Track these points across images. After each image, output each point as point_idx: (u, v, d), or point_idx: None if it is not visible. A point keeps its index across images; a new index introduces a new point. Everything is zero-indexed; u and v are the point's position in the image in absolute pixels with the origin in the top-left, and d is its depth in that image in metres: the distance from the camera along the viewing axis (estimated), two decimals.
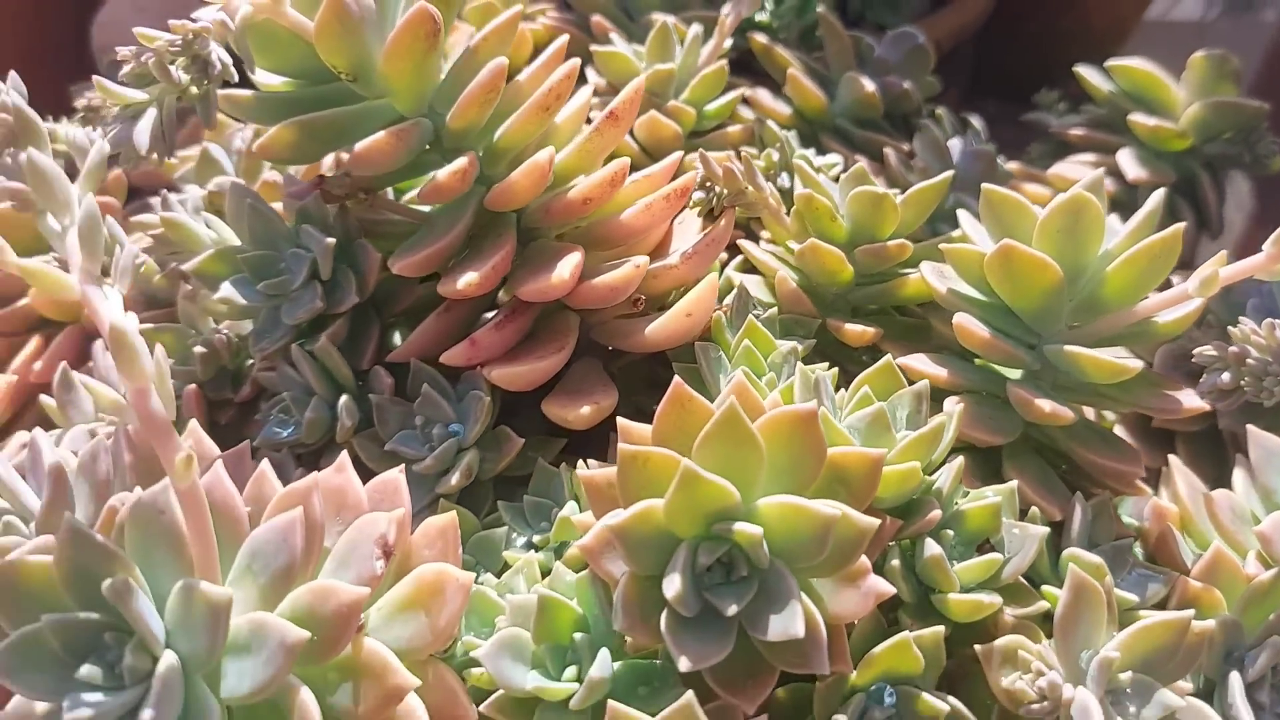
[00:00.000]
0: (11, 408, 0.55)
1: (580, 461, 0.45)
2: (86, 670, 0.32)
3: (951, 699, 0.39)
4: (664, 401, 0.38)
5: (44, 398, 0.50)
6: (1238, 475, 0.49)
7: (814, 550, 0.35)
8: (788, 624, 0.35)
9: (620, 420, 0.41)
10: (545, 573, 0.42)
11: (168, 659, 0.32)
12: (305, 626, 0.33)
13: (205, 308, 0.51)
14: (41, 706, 0.33)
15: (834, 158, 0.59)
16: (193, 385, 0.49)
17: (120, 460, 0.40)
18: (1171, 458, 0.51)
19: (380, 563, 0.37)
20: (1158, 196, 0.47)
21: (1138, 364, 0.44)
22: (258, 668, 0.33)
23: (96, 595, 0.33)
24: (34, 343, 0.57)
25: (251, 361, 0.51)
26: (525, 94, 0.48)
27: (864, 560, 0.37)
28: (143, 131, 0.42)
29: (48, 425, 0.50)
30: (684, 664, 0.34)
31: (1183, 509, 0.49)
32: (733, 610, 0.35)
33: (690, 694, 0.34)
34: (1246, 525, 0.46)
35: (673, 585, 0.35)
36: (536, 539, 0.44)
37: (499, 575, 0.43)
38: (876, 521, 0.36)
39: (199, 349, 0.50)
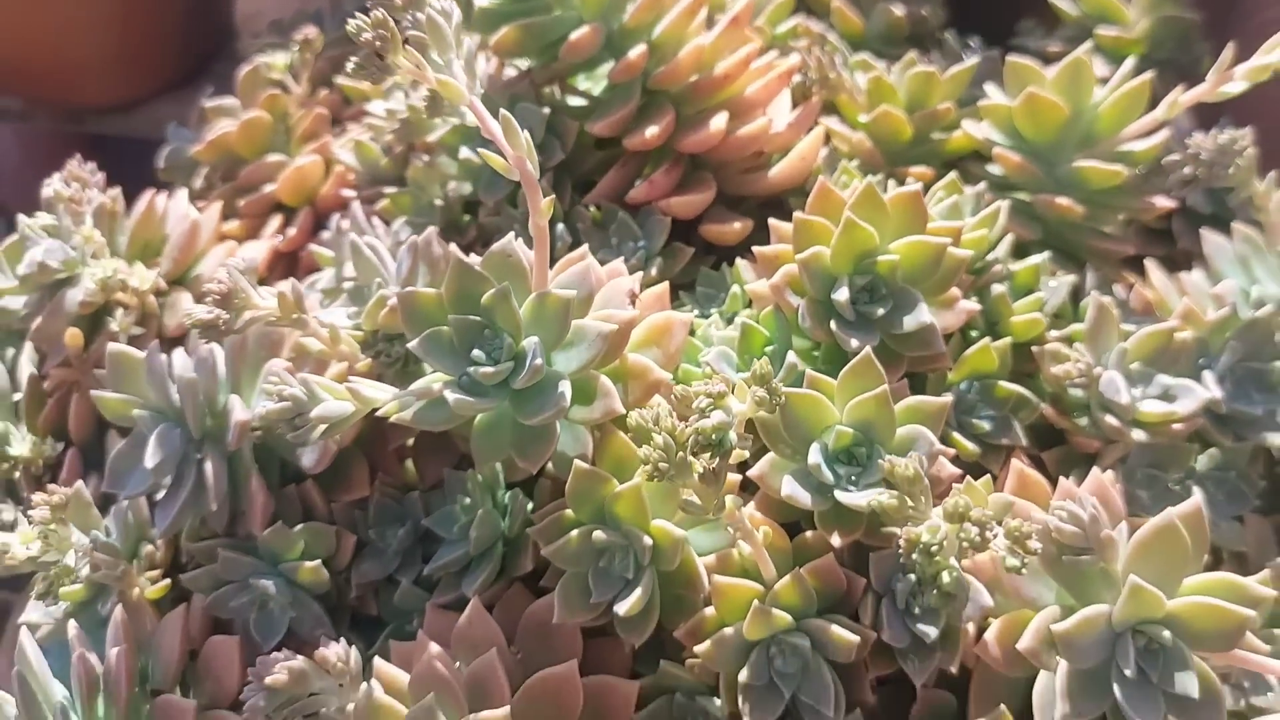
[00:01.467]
0: (267, 269, 0.71)
1: (738, 260, 0.62)
2: (475, 353, 0.49)
3: (1017, 386, 0.57)
4: (813, 195, 0.56)
5: (313, 247, 0.67)
6: (1196, 268, 0.68)
7: (930, 271, 0.54)
8: (919, 318, 0.53)
9: (773, 221, 0.59)
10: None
11: (530, 340, 0.49)
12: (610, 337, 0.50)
13: (440, 172, 0.68)
14: (440, 383, 0.50)
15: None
16: (433, 228, 0.66)
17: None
18: (1146, 261, 0.70)
19: (630, 306, 0.55)
20: (1129, 61, 0.66)
21: (1124, 169, 0.62)
22: (583, 352, 0.50)
23: (475, 307, 0.50)
24: (275, 221, 0.74)
25: (468, 218, 0.68)
26: (672, 4, 0.66)
27: (956, 289, 0.56)
28: None
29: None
30: (852, 345, 0.52)
31: (1156, 294, 0.68)
32: (880, 313, 0.53)
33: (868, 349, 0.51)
34: (1205, 295, 0.65)
35: (841, 296, 0.53)
36: (713, 310, 0.61)
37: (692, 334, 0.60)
38: (969, 252, 0.54)
39: (438, 202, 0.67)
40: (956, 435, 0.56)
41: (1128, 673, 0.45)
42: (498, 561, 0.54)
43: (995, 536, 0.40)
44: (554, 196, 0.50)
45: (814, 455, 0.49)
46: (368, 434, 0.59)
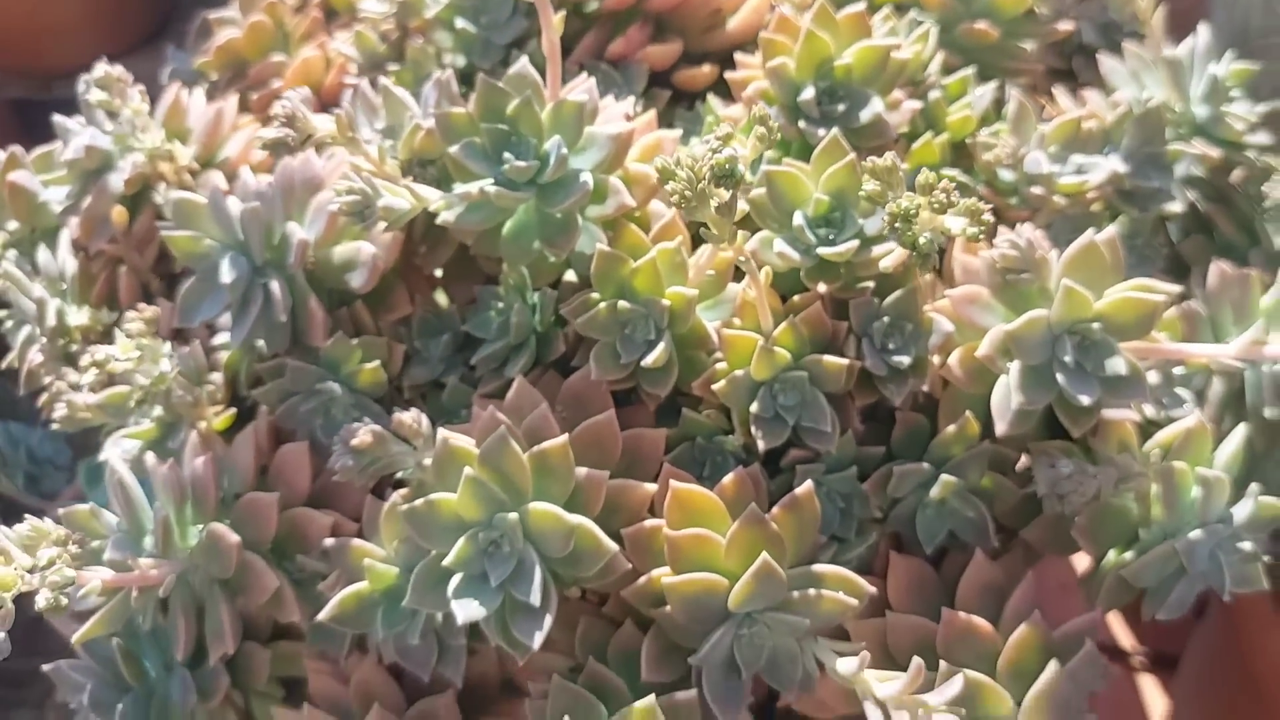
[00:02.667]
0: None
1: (709, 96, 0.72)
2: (506, 156, 0.58)
3: (955, 170, 0.67)
4: (773, 23, 0.66)
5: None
6: (1095, 90, 0.79)
7: (878, 73, 0.64)
8: (873, 110, 0.63)
9: (738, 55, 0.69)
10: None
11: (553, 141, 0.58)
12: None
13: (436, 48, 0.76)
14: (474, 187, 0.58)
15: None
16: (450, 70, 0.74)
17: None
18: (1054, 88, 0.80)
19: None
20: None
21: None
22: (596, 153, 0.59)
23: (502, 117, 0.58)
24: None
25: (465, 88, 0.77)
26: None
27: (899, 92, 0.66)
28: None
29: None
30: (819, 135, 0.62)
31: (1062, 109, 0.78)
32: (840, 110, 0.63)
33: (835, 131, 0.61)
34: (1104, 105, 0.76)
35: (806, 96, 0.63)
36: (693, 139, 0.71)
37: None
38: (909, 54, 0.64)
39: (438, 75, 0.75)
40: None
41: (1067, 360, 0.55)
42: (533, 350, 0.63)
43: (957, 203, 0.49)
44: (564, 12, 0.59)
45: (798, 220, 0.58)
46: (402, 265, 0.67)
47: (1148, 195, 0.70)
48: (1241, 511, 0.58)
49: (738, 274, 0.62)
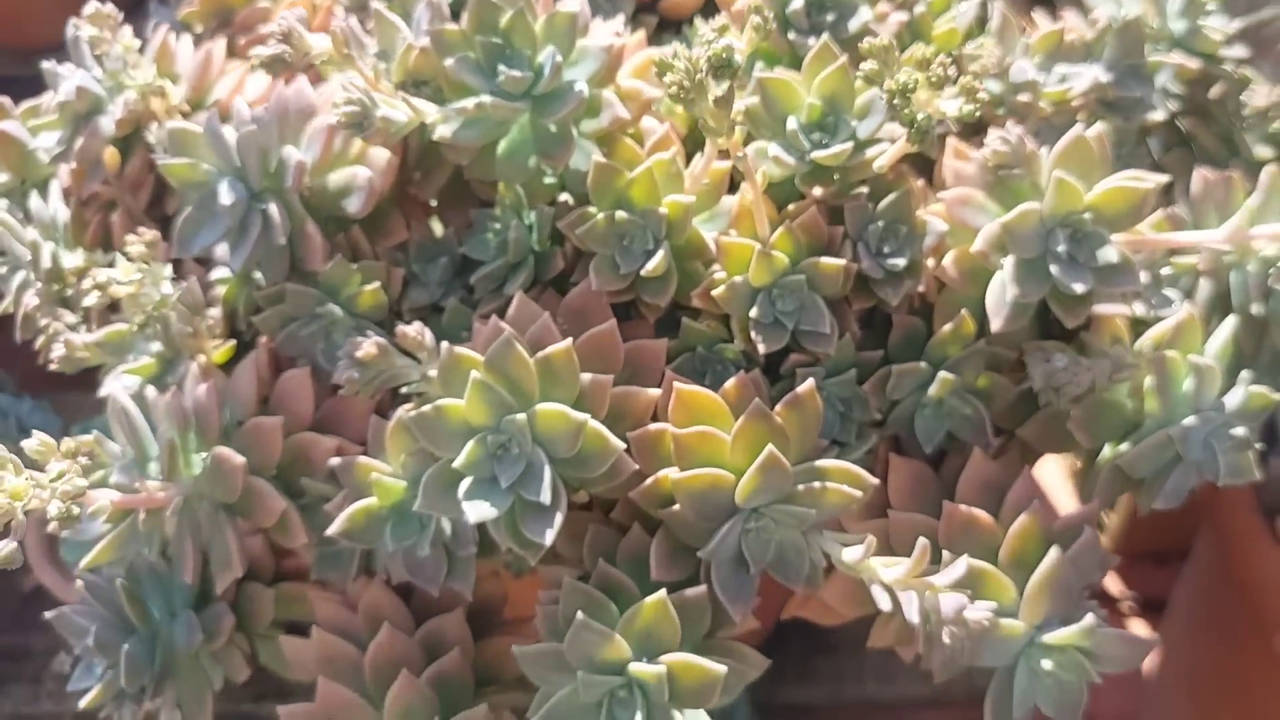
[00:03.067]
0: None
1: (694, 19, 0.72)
2: (500, 68, 0.59)
3: None
4: None
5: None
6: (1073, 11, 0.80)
7: None
8: (860, 19, 0.63)
9: None
10: None
11: (546, 51, 0.59)
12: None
13: None
14: (470, 101, 0.59)
15: None
16: None
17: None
18: (1032, 13, 0.82)
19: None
20: None
21: None
22: (589, 65, 0.60)
23: (496, 31, 0.59)
24: None
25: None
26: None
27: (886, 4, 0.67)
28: None
29: None
30: (809, 44, 0.62)
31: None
32: (829, 19, 0.63)
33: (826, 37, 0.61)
34: (1084, 24, 0.77)
35: (796, 6, 0.63)
36: None
37: None
38: None
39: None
40: None
41: (1060, 251, 0.56)
42: (531, 269, 0.63)
43: (954, 78, 0.50)
44: None
45: (791, 125, 0.59)
46: (397, 193, 0.68)
47: (1130, 105, 0.71)
48: (1233, 399, 0.60)
49: (732, 188, 0.63)
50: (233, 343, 0.67)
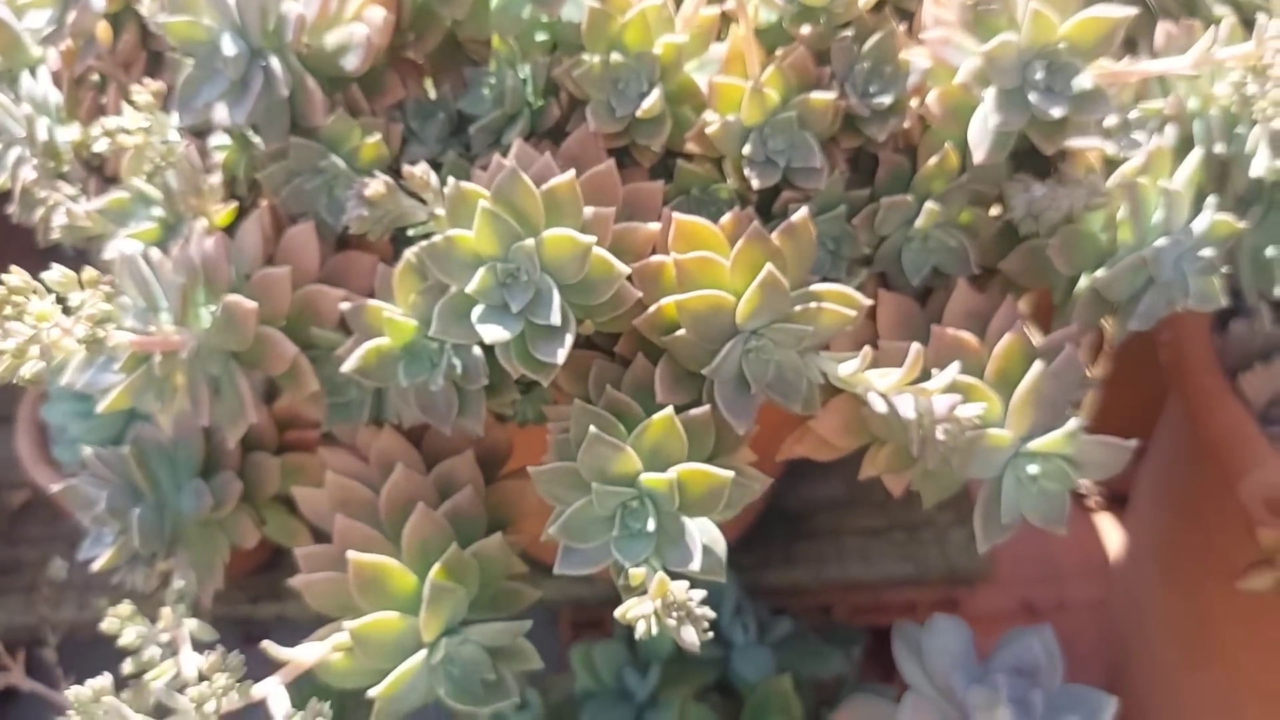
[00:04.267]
0: None
1: None
2: None
3: None
4: None
5: None
6: None
7: None
8: None
9: None
10: None
11: None
12: None
13: None
14: None
15: None
16: None
17: None
18: None
19: None
20: None
21: None
22: None
23: None
24: None
25: None
26: None
27: None
28: None
29: None
30: None
31: None
32: None
33: None
34: None
35: None
36: None
37: None
38: None
39: None
40: None
41: (1038, 79, 0.59)
42: (528, 120, 0.65)
43: None
44: None
45: None
46: (391, 55, 0.69)
47: None
48: (1199, 224, 0.63)
49: (720, 39, 0.65)
50: (235, 205, 0.69)
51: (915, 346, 0.55)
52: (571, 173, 0.57)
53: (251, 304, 0.62)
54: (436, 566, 0.61)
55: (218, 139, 0.70)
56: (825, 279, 0.64)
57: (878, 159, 0.65)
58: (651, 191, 0.63)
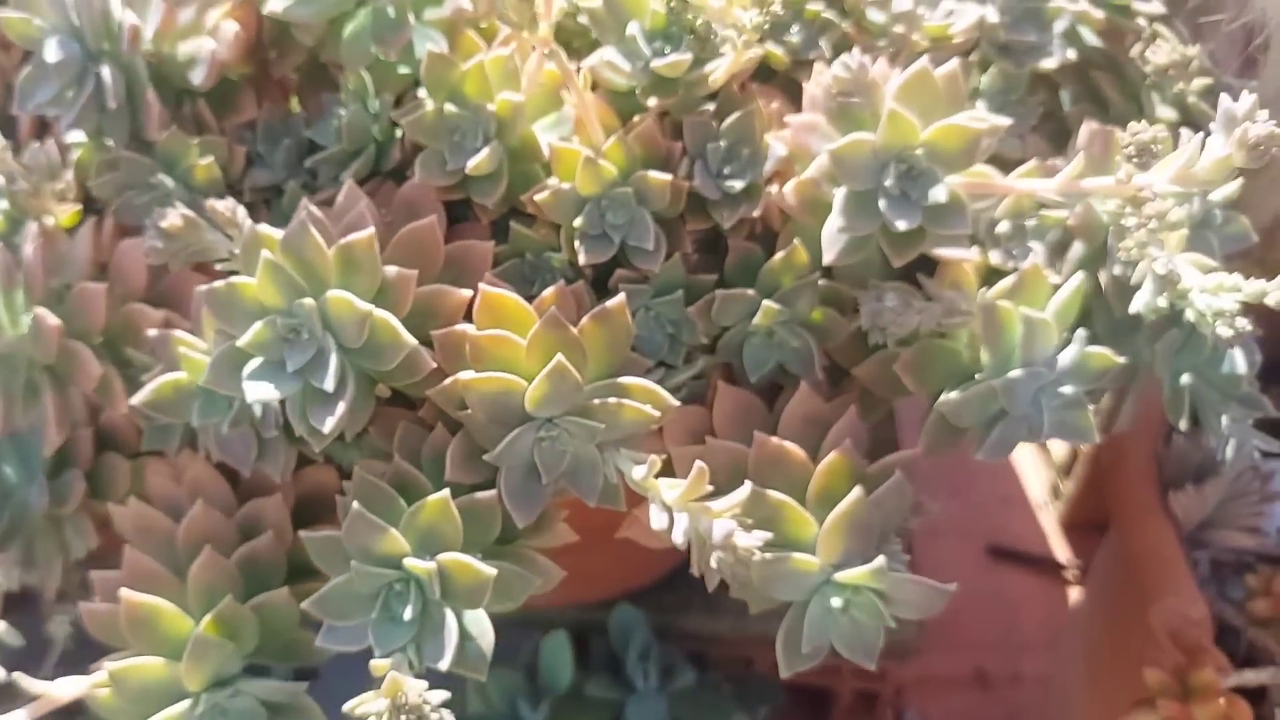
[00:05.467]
0: None
1: None
2: None
3: (823, 8, 0.66)
4: None
5: None
6: None
7: None
8: None
9: None
10: None
11: None
12: None
13: None
14: None
15: None
16: None
17: None
18: None
19: None
20: None
21: None
22: None
23: None
24: None
25: None
26: None
27: None
28: None
29: None
30: None
31: None
32: None
33: None
34: None
35: None
36: None
37: None
38: None
39: None
40: (770, 46, 0.64)
41: (889, 186, 0.54)
42: (371, 157, 0.62)
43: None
44: None
45: (632, 30, 0.57)
46: (255, 71, 0.66)
47: (1023, 50, 0.69)
48: (1065, 357, 0.58)
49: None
50: (79, 208, 0.66)
51: (698, 465, 0.51)
52: (370, 231, 0.54)
53: (55, 320, 0.60)
54: (207, 618, 0.58)
55: (77, 134, 0.68)
56: (663, 363, 0.61)
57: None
58: (481, 252, 0.59)
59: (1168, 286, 0.52)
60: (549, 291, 0.56)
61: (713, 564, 0.51)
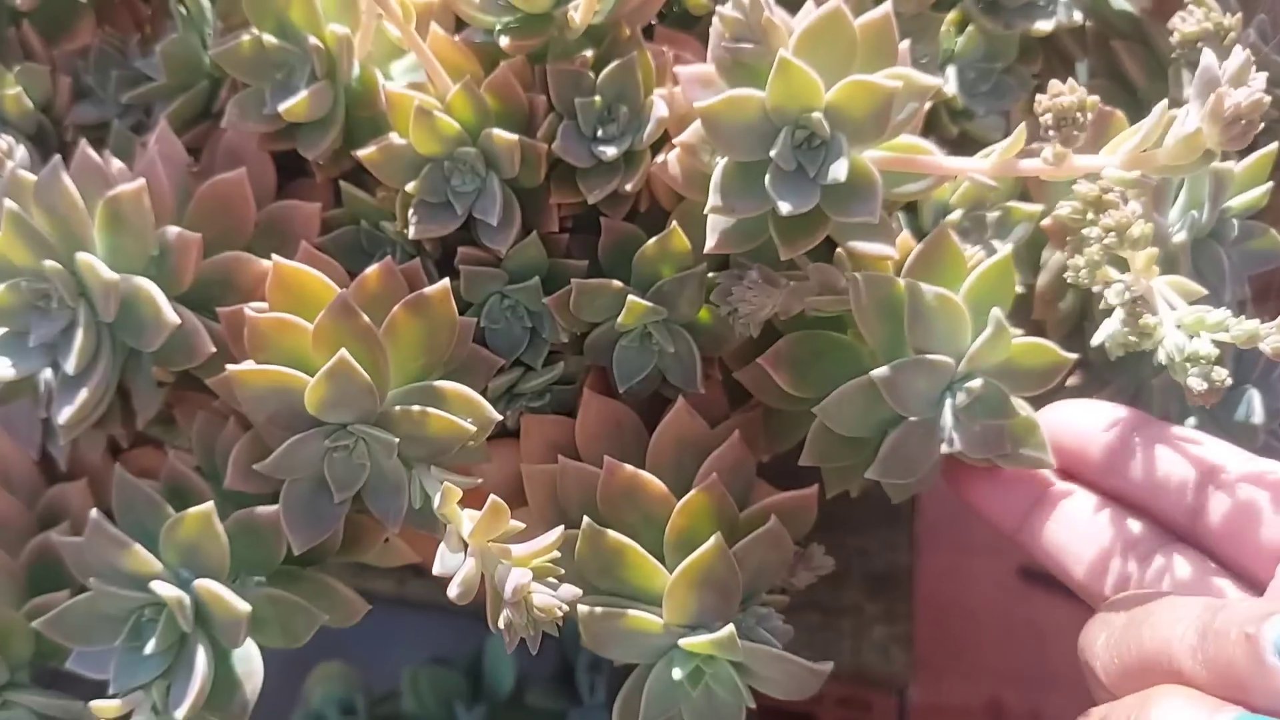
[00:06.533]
0: None
1: None
2: None
3: None
4: None
5: None
6: None
7: None
8: None
9: None
10: None
11: None
12: None
13: None
14: None
15: None
16: None
17: None
18: None
19: None
20: None
21: None
22: None
23: None
24: None
25: None
26: None
27: None
28: None
29: None
30: None
31: None
32: None
33: None
34: None
35: None
36: None
37: None
38: None
39: None
40: None
41: (775, 156, 0.42)
42: (202, 94, 0.53)
43: None
44: None
45: None
46: None
47: (1014, 7, 0.56)
48: (976, 344, 0.46)
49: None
50: None
51: (493, 500, 0.41)
52: (138, 183, 0.45)
53: None
54: None
55: None
56: (520, 361, 0.50)
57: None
58: (305, 215, 0.50)
59: (1130, 320, 0.40)
60: (374, 269, 0.46)
61: (500, 623, 0.40)
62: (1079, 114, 0.34)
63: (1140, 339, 0.41)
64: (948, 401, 0.45)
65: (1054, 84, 0.34)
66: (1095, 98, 0.35)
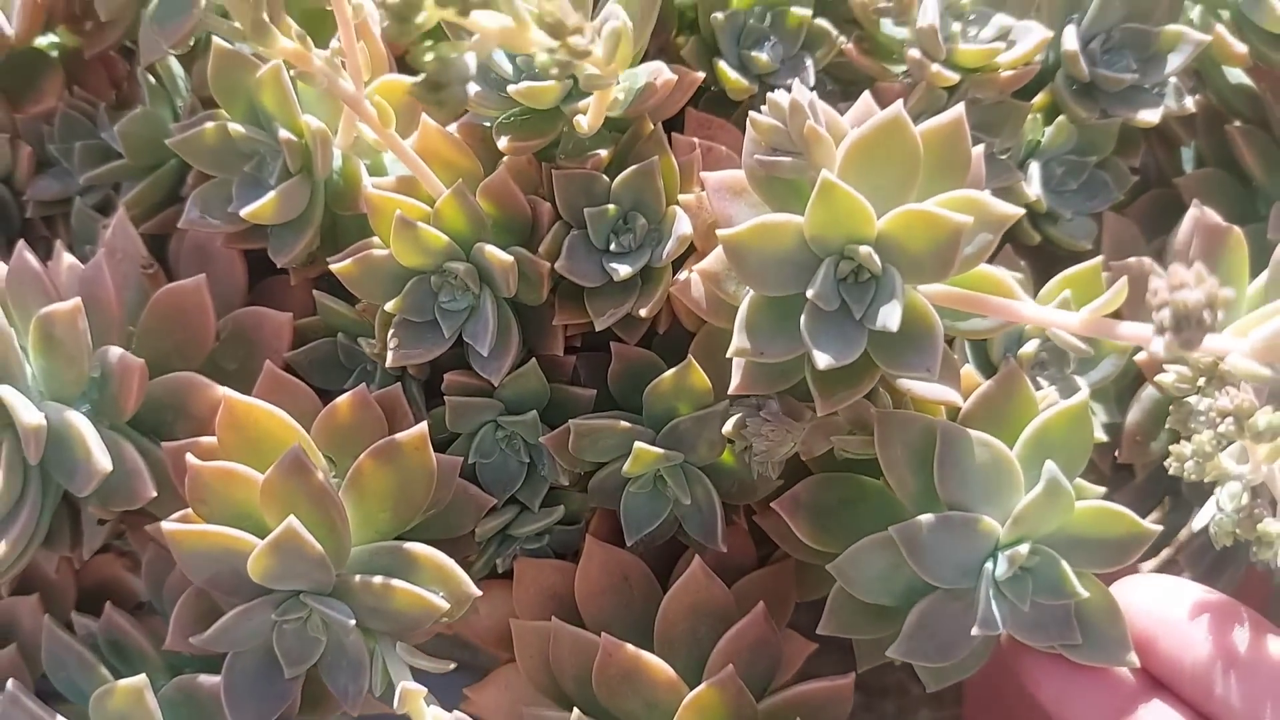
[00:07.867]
0: None
1: None
2: None
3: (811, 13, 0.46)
4: None
5: None
6: None
7: None
8: None
9: None
10: None
11: None
12: None
13: None
14: None
15: None
16: None
17: None
18: None
19: None
20: None
21: None
22: None
23: None
24: None
25: None
26: None
27: None
28: None
29: None
30: None
31: None
32: None
33: None
34: None
35: None
36: None
37: None
38: None
39: None
40: (723, 66, 0.45)
41: (813, 296, 0.35)
42: (172, 174, 0.47)
43: None
44: None
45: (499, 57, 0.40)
46: (69, 53, 0.52)
47: (1115, 92, 0.47)
48: (1024, 503, 0.38)
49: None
50: None
51: (450, 717, 0.34)
52: (73, 302, 0.38)
53: None
54: None
55: None
56: (515, 499, 0.44)
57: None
58: (276, 325, 0.43)
59: (1243, 521, 0.32)
60: (346, 398, 0.40)
61: None
62: (1205, 311, 0.26)
63: (1259, 548, 0.32)
64: (985, 570, 0.37)
65: (1175, 271, 0.26)
66: (1228, 292, 0.26)
